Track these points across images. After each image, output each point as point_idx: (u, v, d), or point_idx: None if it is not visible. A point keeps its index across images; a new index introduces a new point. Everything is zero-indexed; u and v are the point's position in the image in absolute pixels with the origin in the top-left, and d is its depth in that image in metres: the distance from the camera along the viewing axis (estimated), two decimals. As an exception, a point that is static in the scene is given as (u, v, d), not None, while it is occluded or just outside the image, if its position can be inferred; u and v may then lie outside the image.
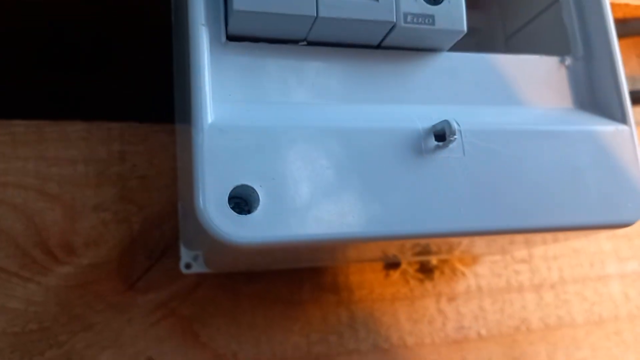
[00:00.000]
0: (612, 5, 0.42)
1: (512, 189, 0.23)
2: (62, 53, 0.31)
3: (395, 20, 0.22)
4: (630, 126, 0.25)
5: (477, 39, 0.35)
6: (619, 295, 0.36)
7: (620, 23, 0.44)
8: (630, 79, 0.46)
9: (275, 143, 0.20)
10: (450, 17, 0.23)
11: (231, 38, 0.22)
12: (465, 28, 0.23)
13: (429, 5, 0.23)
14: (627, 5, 0.43)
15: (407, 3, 0.23)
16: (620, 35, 0.43)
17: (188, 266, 0.28)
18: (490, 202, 0.22)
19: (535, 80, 0.26)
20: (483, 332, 0.33)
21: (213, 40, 0.22)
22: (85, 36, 0.32)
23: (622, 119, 0.25)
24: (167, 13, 0.30)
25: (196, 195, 0.19)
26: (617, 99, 0.25)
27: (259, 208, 0.20)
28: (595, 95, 0.26)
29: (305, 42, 0.23)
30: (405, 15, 0.23)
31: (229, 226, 0.19)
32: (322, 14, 0.21)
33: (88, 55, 0.32)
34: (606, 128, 0.25)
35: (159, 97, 0.31)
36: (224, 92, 0.22)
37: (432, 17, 0.23)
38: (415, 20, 0.23)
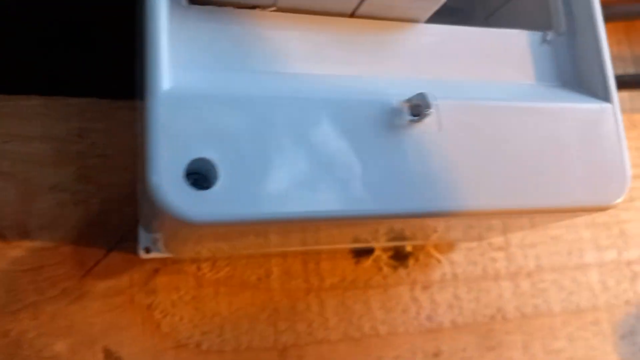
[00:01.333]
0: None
1: (490, 167, 0.21)
2: (19, 26, 0.29)
3: (369, -14, 0.21)
4: (613, 104, 0.24)
5: (456, 19, 0.34)
6: (597, 285, 0.35)
7: (603, 6, 0.43)
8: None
9: (238, 113, 0.19)
10: (428, -15, 0.22)
11: (194, 1, 0.21)
12: (444, -3, 0.22)
13: (405, -29, 0.21)
14: (607, -9, 0.42)
15: (382, -32, 0.21)
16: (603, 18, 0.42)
17: (147, 250, 0.26)
18: (467, 180, 0.21)
19: (515, 56, 0.25)
20: (458, 321, 0.32)
21: (173, 2, 0.20)
22: (42, 8, 0.30)
23: (605, 96, 0.24)
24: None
25: (149, 168, 0.18)
26: (601, 76, 0.24)
27: (218, 183, 0.18)
28: (578, 72, 0.25)
29: (274, 8, 0.21)
30: (380, -20, 0.21)
31: (184, 202, 0.18)
32: (290, -24, 0.20)
33: (46, 27, 0.30)
34: (588, 106, 0.24)
35: (120, 72, 0.29)
36: (183, 59, 0.20)
37: (408, -17, 0.21)
38: (390, -14, 0.21)
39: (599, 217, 0.37)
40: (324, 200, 0.19)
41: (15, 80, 0.29)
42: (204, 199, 0.18)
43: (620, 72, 0.45)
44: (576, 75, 0.25)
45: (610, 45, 0.46)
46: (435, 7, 0.22)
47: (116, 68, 0.29)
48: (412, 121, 0.21)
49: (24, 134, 0.28)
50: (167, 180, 0.18)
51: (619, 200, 0.23)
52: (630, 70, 0.46)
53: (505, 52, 0.24)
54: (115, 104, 0.30)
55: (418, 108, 0.21)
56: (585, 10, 0.25)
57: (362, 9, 0.22)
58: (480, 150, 0.21)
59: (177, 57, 0.20)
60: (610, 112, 0.24)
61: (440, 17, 0.33)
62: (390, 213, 0.20)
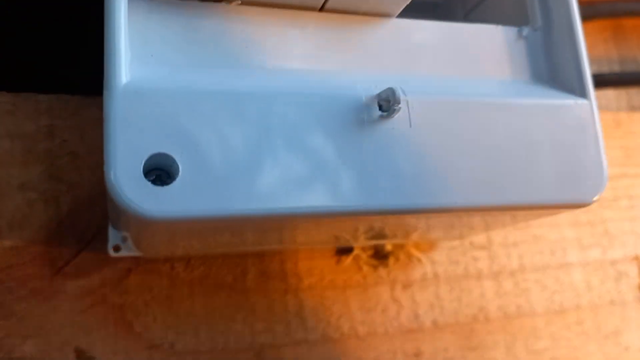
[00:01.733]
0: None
1: (462, 164, 0.21)
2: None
3: (336, -23, 0.20)
4: (590, 100, 0.23)
5: (436, 14, 0.33)
6: (580, 284, 0.35)
7: (586, 5, 0.43)
8: (596, 62, 0.45)
9: (200, 108, 0.18)
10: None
11: (156, -6, 0.20)
12: (415, -10, 0.21)
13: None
14: (593, -12, 0.42)
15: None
16: (587, 18, 0.42)
17: (116, 248, 0.25)
18: (438, 178, 0.20)
19: (490, 51, 0.24)
20: (439, 321, 0.32)
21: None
22: (10, 4, 0.29)
23: (582, 92, 0.24)
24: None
25: (107, 164, 0.17)
26: (577, 71, 0.24)
27: (179, 179, 0.18)
28: (554, 68, 0.25)
29: (240, 2, 0.21)
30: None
31: (143, 199, 0.17)
32: (254, -33, 0.19)
33: (14, 23, 0.29)
34: (565, 102, 0.23)
35: (91, 68, 0.28)
36: (144, 53, 0.19)
37: (378, -25, 0.21)
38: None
39: (583, 216, 0.36)
40: (288, 197, 0.19)
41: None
42: (163, 195, 0.17)
43: (607, 70, 0.45)
44: (552, 71, 0.24)
45: (597, 44, 0.46)
46: (405, 2, 0.22)
47: (86, 63, 0.29)
48: (382, 117, 0.20)
49: (-8, 131, 0.28)
50: (125, 176, 0.17)
51: (596, 198, 0.23)
52: (617, 68, 0.46)
53: (480, 48, 0.24)
54: (85, 100, 0.29)
55: (387, 103, 0.20)
56: (561, 6, 0.24)
57: (332, 3, 0.22)
58: (452, 146, 0.21)
59: (137, 51, 0.19)
60: (587, 108, 0.23)
61: (420, 12, 0.32)
62: (358, 210, 0.20)
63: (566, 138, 0.23)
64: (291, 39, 0.21)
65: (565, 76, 0.24)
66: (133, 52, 0.19)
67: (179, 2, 0.20)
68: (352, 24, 0.22)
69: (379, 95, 0.20)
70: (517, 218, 0.28)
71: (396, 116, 0.20)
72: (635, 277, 0.36)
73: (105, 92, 0.18)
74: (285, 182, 0.19)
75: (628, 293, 0.36)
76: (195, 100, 0.18)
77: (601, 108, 0.41)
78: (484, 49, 0.24)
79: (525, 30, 0.25)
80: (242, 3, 0.21)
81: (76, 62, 0.30)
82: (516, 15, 0.26)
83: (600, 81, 0.40)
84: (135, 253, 0.26)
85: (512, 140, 0.22)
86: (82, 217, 0.28)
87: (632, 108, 0.43)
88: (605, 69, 0.45)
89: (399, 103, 0.20)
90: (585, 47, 0.24)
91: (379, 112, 0.20)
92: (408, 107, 0.21)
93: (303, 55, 0.21)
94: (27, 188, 0.28)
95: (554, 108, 0.23)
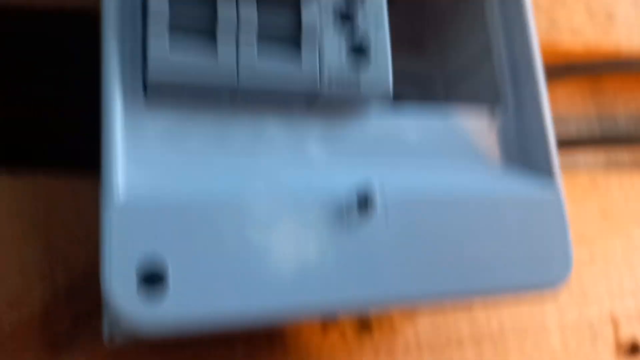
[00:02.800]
0: (558, 48, 0.43)
1: (434, 258, 0.22)
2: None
3: (319, 89, 0.22)
4: (558, 185, 0.25)
5: (418, 83, 0.35)
6: (558, 347, 0.36)
7: (564, 66, 0.45)
8: (575, 119, 0.47)
9: (193, 218, 0.20)
10: (375, 79, 0.23)
11: (151, 101, 0.21)
12: (391, 90, 0.23)
13: (353, 70, 0.23)
14: (570, 49, 0.44)
15: (332, 68, 0.22)
16: (564, 77, 0.44)
17: (111, 338, 0.26)
18: (412, 274, 0.22)
19: (464, 137, 0.26)
20: (423, 388, 0.33)
21: (131, 102, 0.21)
22: (11, 86, 0.31)
23: (550, 182, 0.25)
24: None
25: (104, 277, 0.18)
26: (545, 158, 0.25)
27: (172, 289, 0.19)
28: (524, 152, 0.26)
29: (228, 102, 0.22)
30: (330, 80, 0.22)
31: (138, 316, 0.18)
32: (243, 84, 0.21)
33: (14, 104, 0.31)
34: (534, 189, 0.25)
35: (88, 147, 0.30)
36: (140, 157, 0.21)
37: (357, 82, 0.23)
38: (340, 85, 0.22)
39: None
40: (277, 297, 0.20)
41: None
42: (157, 309, 0.19)
43: (585, 128, 0.47)
44: (522, 154, 0.26)
45: (575, 101, 0.48)
46: (384, 97, 0.23)
47: (84, 142, 0.30)
48: (360, 218, 0.22)
49: (-9, 213, 0.29)
50: (120, 288, 0.18)
51: (561, 283, 0.24)
52: (595, 126, 0.48)
53: (455, 134, 0.25)
54: (82, 179, 0.30)
55: (365, 205, 0.22)
56: (531, 88, 0.26)
57: (314, 102, 0.23)
58: (426, 241, 0.22)
59: (133, 155, 0.21)
60: (556, 194, 0.25)
61: (403, 82, 0.34)
62: (338, 309, 0.21)
63: (535, 226, 0.24)
64: (277, 136, 0.23)
65: (535, 161, 0.26)
66: (129, 156, 0.20)
67: (172, 104, 0.22)
68: (335, 118, 0.24)
69: (357, 195, 0.22)
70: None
71: (373, 217, 0.22)
72: (611, 337, 0.38)
73: (103, 208, 0.19)
74: (273, 283, 0.20)
75: (605, 354, 0.37)
76: (187, 211, 0.20)
77: (578, 168, 0.43)
78: (458, 135, 0.25)
79: (498, 114, 0.26)
80: (231, 102, 0.22)
81: (73, 141, 0.31)
82: (491, 90, 0.28)
83: (576, 142, 0.41)
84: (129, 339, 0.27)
85: (483, 232, 0.23)
86: (78, 295, 0.29)
87: (609, 168, 0.45)
88: (583, 126, 0.47)
89: (375, 206, 0.21)
90: (554, 131, 0.26)
91: (357, 213, 0.22)
92: (385, 207, 0.22)
93: (289, 152, 0.23)
94: (25, 267, 0.29)
95: (523, 196, 0.24)
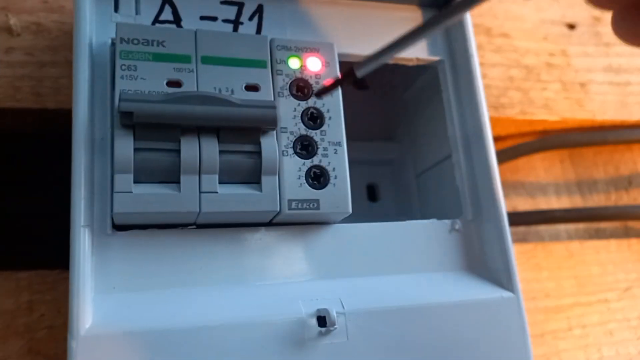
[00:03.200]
0: (533, 121, 0.44)
1: (395, 371, 0.23)
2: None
3: (279, 209, 0.23)
4: (516, 293, 0.26)
5: (391, 169, 0.36)
6: None
7: (541, 137, 0.46)
8: (554, 184, 0.48)
9: (156, 346, 0.21)
10: (334, 200, 0.24)
11: (118, 228, 0.23)
12: (350, 210, 0.24)
13: (313, 190, 0.24)
14: (545, 121, 0.45)
15: (291, 190, 0.23)
16: (542, 149, 0.45)
17: None
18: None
19: (425, 246, 0.27)
20: None
21: (97, 233, 0.22)
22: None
23: (509, 285, 0.26)
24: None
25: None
26: (504, 266, 0.26)
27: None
28: (484, 260, 0.27)
29: (194, 226, 0.24)
30: (290, 202, 0.23)
31: None
32: (204, 209, 0.22)
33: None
34: (493, 296, 0.26)
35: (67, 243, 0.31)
36: (108, 285, 0.22)
37: (316, 201, 0.24)
38: (300, 205, 0.23)
39: (538, 348, 0.38)
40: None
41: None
42: None
43: (565, 195, 0.48)
44: (482, 262, 0.27)
45: (554, 165, 0.49)
46: (344, 216, 0.25)
47: (64, 237, 0.31)
48: (321, 333, 0.23)
49: (-26, 310, 0.30)
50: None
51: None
52: (575, 190, 0.48)
53: (417, 244, 0.26)
54: (63, 274, 0.31)
55: (325, 321, 0.22)
56: (490, 200, 0.27)
57: (276, 220, 0.24)
58: (387, 354, 0.23)
59: (101, 284, 0.22)
60: (514, 301, 0.26)
61: (377, 166, 0.35)
62: None
63: (494, 332, 0.25)
64: (241, 255, 0.24)
65: (494, 269, 0.27)
66: (96, 285, 0.21)
67: (138, 232, 0.23)
68: (298, 234, 0.25)
69: (318, 311, 0.23)
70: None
71: (334, 330, 0.23)
72: (589, 410, 0.38)
73: (69, 338, 0.20)
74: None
75: None
76: (149, 338, 0.21)
77: (553, 239, 0.44)
78: (420, 245, 0.26)
79: (458, 224, 0.27)
80: (197, 227, 0.24)
81: (53, 238, 0.32)
82: (454, 191, 0.29)
83: (551, 218, 0.42)
84: None
85: (444, 339, 0.24)
86: (57, 390, 0.30)
87: (583, 238, 0.46)
88: (563, 190, 0.48)
89: (334, 324, 0.22)
90: (512, 241, 0.27)
91: (318, 329, 0.23)
92: (345, 320, 0.23)
93: (253, 270, 0.24)
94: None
95: (483, 303, 0.25)
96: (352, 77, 0.22)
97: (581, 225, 0.46)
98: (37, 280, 0.31)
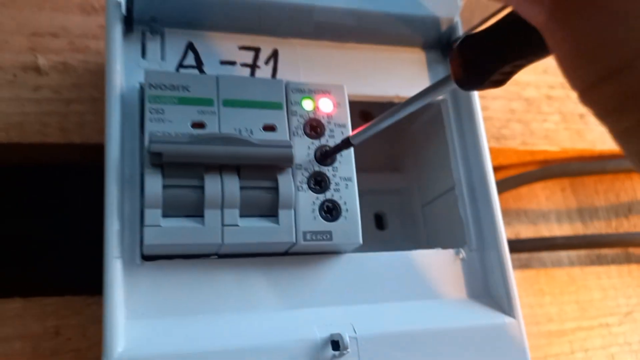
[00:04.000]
0: (534, 151, 0.46)
1: (404, 394, 0.25)
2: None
3: (295, 241, 0.25)
4: (517, 318, 0.27)
5: (398, 199, 0.38)
6: None
7: (542, 167, 0.48)
8: (555, 212, 0.50)
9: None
10: (346, 232, 0.26)
11: (147, 258, 0.24)
12: (360, 241, 0.26)
13: (326, 223, 0.25)
14: (546, 151, 0.47)
15: (306, 222, 0.25)
16: (543, 178, 0.47)
17: None
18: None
19: (432, 274, 0.28)
20: None
21: (128, 263, 0.24)
22: (20, 222, 0.34)
23: (510, 311, 0.28)
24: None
25: None
26: (506, 293, 0.28)
27: None
28: (487, 287, 0.29)
29: (216, 257, 0.25)
30: (305, 233, 0.25)
31: None
32: (227, 241, 0.24)
33: (22, 234, 0.34)
34: (496, 321, 0.27)
35: (93, 270, 0.33)
36: (137, 311, 0.24)
37: (329, 233, 0.25)
38: (314, 237, 0.25)
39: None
40: None
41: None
42: None
43: (566, 222, 0.49)
44: (485, 289, 0.29)
45: (556, 197, 0.50)
46: (354, 247, 0.26)
47: (89, 265, 0.33)
48: (335, 356, 0.24)
49: (3, 335, 0.31)
50: None
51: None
52: (575, 216, 0.50)
53: (423, 272, 0.28)
54: (87, 299, 0.33)
55: (338, 345, 0.24)
56: (492, 230, 0.29)
57: (292, 251, 0.26)
58: (395, 376, 0.25)
59: (132, 310, 0.23)
60: (516, 326, 0.27)
61: (384, 196, 0.37)
62: None
63: (497, 353, 0.27)
64: (259, 283, 0.26)
65: (496, 296, 0.28)
66: (127, 312, 0.23)
67: (165, 262, 0.25)
68: (312, 264, 0.27)
69: (331, 336, 0.24)
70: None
71: (347, 354, 0.24)
72: None
73: (103, 355, 0.22)
74: None
75: None
76: (176, 362, 0.22)
77: (555, 265, 0.46)
78: (427, 273, 0.28)
79: (462, 253, 0.29)
80: (218, 257, 0.25)
81: (79, 266, 0.34)
82: (458, 222, 0.30)
83: (553, 245, 0.44)
84: None
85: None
86: (82, 411, 0.31)
87: (585, 264, 0.47)
88: (564, 218, 0.50)
89: (347, 348, 0.24)
90: (513, 269, 0.28)
91: (332, 352, 0.24)
92: (357, 344, 0.25)
93: (270, 297, 0.26)
94: (34, 385, 0.31)
95: (487, 328, 0.27)
96: (349, 145, 0.25)
97: (582, 252, 0.47)
98: (64, 305, 0.33)
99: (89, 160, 0.36)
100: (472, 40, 0.18)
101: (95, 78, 0.37)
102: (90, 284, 0.34)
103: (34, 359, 0.32)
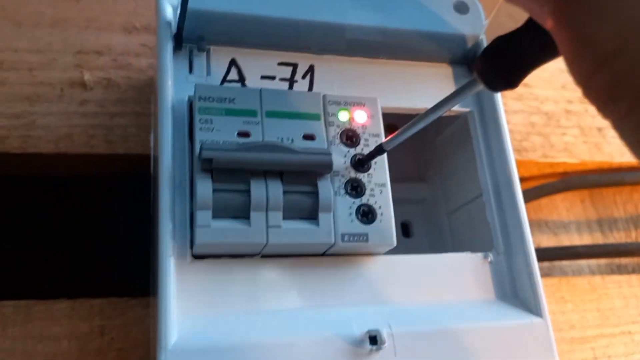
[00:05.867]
0: (554, 163, 0.47)
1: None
2: (47, 242, 0.36)
3: (333, 242, 0.26)
4: (545, 318, 0.29)
5: (423, 208, 0.40)
6: None
7: (561, 179, 0.49)
8: (575, 222, 0.51)
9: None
10: (381, 234, 0.27)
11: (196, 257, 0.26)
12: (394, 242, 0.27)
13: (363, 225, 0.27)
14: (566, 163, 0.48)
15: (344, 225, 0.27)
16: (563, 189, 0.48)
17: None
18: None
19: (462, 276, 0.30)
20: None
21: (179, 262, 0.26)
22: (69, 223, 0.36)
23: (538, 311, 0.29)
24: (145, 203, 0.34)
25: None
26: (533, 294, 0.29)
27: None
28: (514, 288, 0.30)
29: (260, 256, 0.27)
30: (343, 235, 0.27)
31: None
32: (271, 241, 0.26)
33: (71, 240, 0.36)
34: (524, 321, 0.29)
35: (136, 272, 0.35)
36: (188, 306, 0.25)
37: (366, 235, 0.27)
38: (351, 238, 0.27)
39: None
40: None
41: (47, 286, 0.35)
42: None
43: (586, 232, 0.51)
44: (513, 291, 0.30)
45: (576, 208, 0.52)
46: (389, 248, 0.28)
47: (133, 269, 0.35)
48: (372, 350, 0.26)
49: (52, 334, 0.33)
50: None
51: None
52: (595, 227, 0.51)
53: (453, 274, 0.29)
54: (130, 301, 0.35)
55: (376, 339, 0.26)
56: (519, 235, 0.30)
57: (330, 252, 0.28)
58: (430, 371, 0.26)
59: (183, 306, 0.25)
60: (544, 326, 0.29)
61: (410, 205, 0.39)
62: None
63: (526, 352, 0.28)
64: (300, 282, 0.27)
65: (524, 297, 0.30)
66: (179, 307, 0.25)
67: (213, 261, 0.26)
68: (348, 264, 0.28)
69: (368, 332, 0.26)
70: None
71: (383, 348, 0.26)
72: None
73: (158, 350, 0.23)
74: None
75: None
76: (226, 353, 0.24)
77: (576, 274, 0.47)
78: (457, 275, 0.30)
79: (491, 256, 0.30)
80: (262, 257, 0.27)
81: (124, 268, 0.36)
82: (485, 227, 0.32)
83: (575, 254, 0.45)
84: None
85: (482, 358, 0.27)
86: (127, 409, 0.33)
87: (605, 273, 0.48)
88: (584, 228, 0.51)
89: (384, 342, 0.25)
90: (538, 271, 0.30)
91: (369, 346, 0.26)
92: (393, 340, 0.26)
93: (309, 294, 0.27)
94: (81, 383, 0.33)
95: (515, 327, 0.28)
96: (382, 151, 0.27)
97: (603, 261, 0.49)
98: (109, 306, 0.35)
99: (131, 170, 0.38)
100: (498, 41, 0.20)
101: (138, 93, 0.39)
102: (132, 286, 0.36)
103: (80, 358, 0.33)
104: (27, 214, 0.39)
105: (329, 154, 0.26)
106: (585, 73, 0.17)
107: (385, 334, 0.25)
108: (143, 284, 0.34)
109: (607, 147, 0.49)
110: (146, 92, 0.40)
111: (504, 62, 0.20)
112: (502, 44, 0.20)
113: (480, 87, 0.22)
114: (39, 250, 0.36)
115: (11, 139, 0.36)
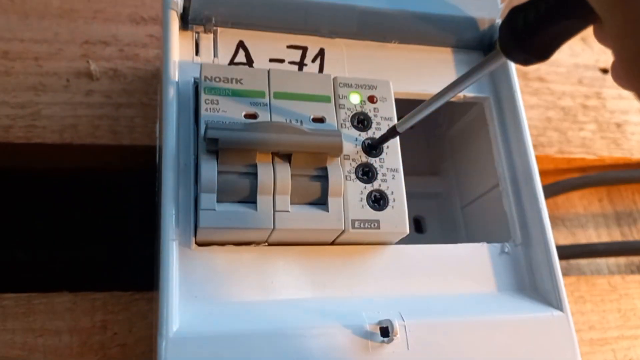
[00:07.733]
0: (571, 159, 0.46)
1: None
2: (50, 233, 0.35)
3: (344, 228, 0.25)
4: (565, 312, 0.27)
5: (436, 202, 0.38)
6: None
7: (579, 175, 0.48)
8: (593, 220, 0.49)
9: (234, 350, 0.23)
10: (393, 221, 0.26)
11: (200, 244, 0.25)
12: (407, 230, 0.26)
13: (374, 212, 0.26)
14: (583, 159, 0.47)
15: (355, 211, 0.26)
16: (581, 186, 0.46)
17: None
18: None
19: (478, 267, 0.28)
20: None
21: (182, 248, 0.24)
22: (72, 216, 0.35)
23: (558, 305, 0.27)
24: (150, 197, 0.33)
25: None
26: (553, 286, 0.28)
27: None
28: (533, 281, 0.29)
29: (266, 244, 0.26)
30: (353, 221, 0.26)
31: None
32: (278, 226, 0.24)
33: (74, 233, 0.35)
34: (544, 314, 0.27)
35: (140, 267, 0.34)
36: (191, 294, 0.24)
37: (377, 221, 0.26)
38: (362, 225, 0.26)
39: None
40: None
41: (48, 279, 0.34)
42: None
43: (604, 230, 0.49)
44: (531, 283, 0.29)
45: (593, 206, 0.50)
46: (401, 237, 0.27)
47: (136, 263, 0.34)
48: (383, 342, 0.24)
49: (53, 328, 0.32)
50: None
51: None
52: (613, 224, 0.50)
53: (468, 265, 0.28)
54: (134, 295, 0.34)
55: (387, 330, 0.24)
56: (537, 225, 0.29)
57: (340, 240, 0.26)
58: (444, 363, 0.25)
59: (185, 292, 0.24)
60: (564, 319, 0.27)
61: (423, 200, 0.37)
62: None
63: (545, 348, 0.26)
64: (307, 270, 0.26)
65: (543, 289, 0.28)
66: (181, 294, 0.24)
67: (219, 248, 0.25)
68: (358, 254, 0.27)
69: (380, 323, 0.25)
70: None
71: (395, 340, 0.24)
72: None
73: (158, 337, 0.22)
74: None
75: None
76: (229, 342, 0.23)
77: (594, 273, 0.45)
78: (472, 266, 0.28)
79: (508, 247, 0.29)
80: (268, 244, 0.26)
81: (127, 262, 0.35)
82: (501, 220, 0.31)
83: (594, 251, 0.44)
84: None
85: (497, 353, 0.26)
86: (129, 405, 0.32)
87: (625, 272, 0.46)
88: (602, 226, 0.49)
89: (396, 334, 0.24)
90: (558, 262, 0.28)
91: (381, 338, 0.24)
92: (405, 331, 0.25)
93: (318, 284, 0.26)
94: (82, 377, 0.32)
95: (534, 320, 0.27)
96: (395, 133, 0.26)
97: (622, 260, 0.47)
98: (112, 301, 0.34)
99: (136, 161, 0.37)
100: (519, 8, 0.19)
101: (145, 84, 0.39)
102: (137, 281, 0.35)
103: (82, 352, 0.32)
104: (30, 208, 0.38)
105: (340, 135, 0.25)
106: (633, 51, 0.16)
107: (397, 324, 0.24)
108: (147, 278, 0.33)
109: (626, 143, 0.47)
110: (153, 83, 0.39)
111: (525, 27, 0.19)
112: (523, 7, 0.19)
113: (502, 60, 0.20)
114: (41, 243, 0.35)
115: (15, 128, 0.36)
